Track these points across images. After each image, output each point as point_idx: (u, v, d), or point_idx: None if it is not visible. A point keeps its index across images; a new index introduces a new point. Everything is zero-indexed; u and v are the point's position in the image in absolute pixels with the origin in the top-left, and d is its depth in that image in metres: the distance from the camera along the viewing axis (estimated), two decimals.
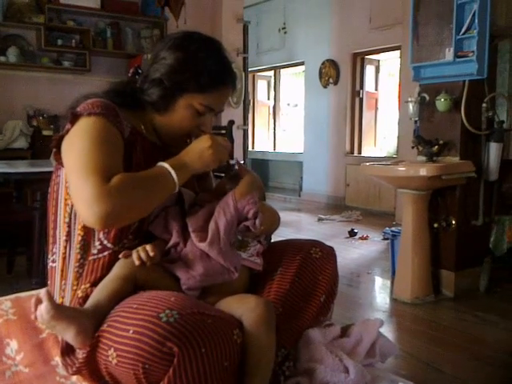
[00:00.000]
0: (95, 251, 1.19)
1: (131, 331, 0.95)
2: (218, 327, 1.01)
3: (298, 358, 1.21)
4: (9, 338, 1.28)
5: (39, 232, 2.80)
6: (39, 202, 2.83)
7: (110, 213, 1.03)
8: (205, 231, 1.18)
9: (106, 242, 1.19)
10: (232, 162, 1.33)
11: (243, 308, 1.12)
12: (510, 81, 3.15)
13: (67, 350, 1.10)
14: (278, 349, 1.16)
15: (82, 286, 1.18)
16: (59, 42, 4.88)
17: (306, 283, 1.32)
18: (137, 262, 1.13)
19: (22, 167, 3.10)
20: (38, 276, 2.79)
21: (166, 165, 1.15)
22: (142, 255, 1.13)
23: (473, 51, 2.82)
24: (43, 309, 0.97)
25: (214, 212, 1.21)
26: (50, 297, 0.98)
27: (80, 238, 1.20)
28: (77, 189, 1.08)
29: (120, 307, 1.04)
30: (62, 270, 1.24)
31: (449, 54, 2.90)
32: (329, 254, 1.39)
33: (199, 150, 1.21)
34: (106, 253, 1.19)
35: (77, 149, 1.13)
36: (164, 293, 1.05)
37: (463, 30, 2.85)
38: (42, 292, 0.99)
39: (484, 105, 2.96)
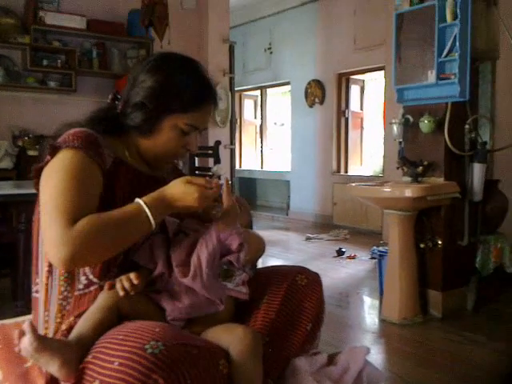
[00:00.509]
0: (81, 286, 1.19)
1: (116, 363, 0.94)
2: (203, 358, 1.00)
3: None
4: None
5: (24, 254, 2.77)
6: (24, 224, 2.80)
7: (73, 257, 1.04)
8: (188, 265, 1.16)
9: (91, 276, 1.18)
10: (220, 182, 1.31)
11: (230, 338, 1.11)
12: (491, 102, 3.22)
13: (52, 383, 1.08)
14: (264, 379, 1.15)
15: (67, 320, 1.16)
16: (45, 62, 4.87)
17: (292, 311, 1.31)
18: (121, 293, 1.12)
19: (6, 188, 3.07)
20: (22, 299, 2.76)
21: (142, 203, 1.13)
22: (126, 285, 1.12)
23: (455, 73, 2.87)
24: (26, 341, 0.96)
25: (197, 244, 1.19)
26: (34, 329, 0.97)
27: (63, 270, 1.19)
28: (45, 227, 1.10)
29: (105, 338, 1.02)
30: (45, 302, 1.23)
31: (431, 77, 2.95)
32: (314, 280, 1.38)
33: (182, 192, 1.17)
34: (92, 288, 1.18)
35: (51, 185, 1.13)
36: (149, 323, 1.04)
37: (445, 53, 2.90)
38: (25, 324, 0.98)
39: (467, 126, 3.01)
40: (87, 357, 1.00)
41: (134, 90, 1.27)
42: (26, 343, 0.96)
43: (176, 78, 1.26)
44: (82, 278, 1.19)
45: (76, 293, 1.18)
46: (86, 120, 1.30)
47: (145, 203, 1.13)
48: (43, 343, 0.97)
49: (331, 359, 1.30)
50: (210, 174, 1.31)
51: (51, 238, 1.06)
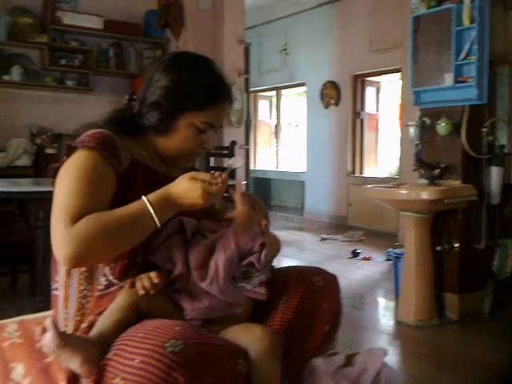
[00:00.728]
0: (101, 287, 1.20)
1: (137, 360, 0.95)
2: (222, 357, 1.01)
3: None
4: (15, 361, 1.28)
5: (42, 251, 2.81)
6: (41, 222, 2.84)
7: (75, 255, 1.07)
8: (205, 268, 1.18)
9: (111, 277, 1.20)
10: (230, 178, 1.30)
11: (249, 338, 1.12)
12: (509, 105, 3.19)
13: (73, 379, 1.09)
14: (282, 379, 1.16)
15: (87, 318, 1.18)
16: (62, 61, 4.93)
17: (309, 312, 1.31)
18: (141, 292, 1.13)
19: (25, 186, 3.11)
20: (41, 294, 2.80)
21: (146, 202, 1.13)
22: (146, 283, 1.14)
23: (472, 77, 2.86)
24: (48, 338, 0.97)
25: (216, 248, 1.20)
26: (55, 326, 0.99)
27: (82, 269, 1.21)
28: (52, 226, 1.12)
29: (126, 335, 1.04)
30: (65, 300, 1.25)
31: (448, 80, 2.94)
32: (332, 282, 1.38)
33: (187, 189, 1.15)
34: (112, 288, 1.20)
35: (63, 184, 1.16)
36: (169, 322, 1.05)
37: (462, 56, 2.89)
38: (47, 321, 0.99)
39: (484, 129, 2.99)
40: (108, 354, 1.02)
41: (149, 90, 1.28)
42: (48, 340, 0.97)
43: (191, 76, 1.27)
44: (102, 279, 1.20)
45: (96, 293, 1.20)
46: (103, 121, 1.32)
47: (149, 202, 1.13)
48: (65, 340, 0.99)
49: (349, 360, 1.31)
50: (225, 167, 1.27)
51: (55, 237, 1.10)
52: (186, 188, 1.13)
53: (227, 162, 1.39)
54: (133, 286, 1.16)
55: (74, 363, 0.99)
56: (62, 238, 1.08)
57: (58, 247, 1.09)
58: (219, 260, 1.18)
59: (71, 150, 1.19)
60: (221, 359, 1.00)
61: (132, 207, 1.13)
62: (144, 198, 1.13)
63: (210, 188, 1.13)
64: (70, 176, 1.16)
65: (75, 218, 1.08)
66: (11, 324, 1.41)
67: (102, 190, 1.16)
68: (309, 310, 1.31)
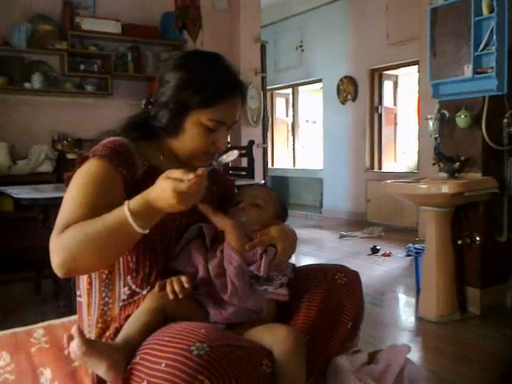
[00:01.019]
0: (125, 296, 1.22)
1: (163, 364, 0.96)
2: (247, 358, 1.01)
3: None
4: (43, 366, 1.32)
5: None
6: None
7: (62, 265, 1.08)
8: (224, 276, 1.20)
9: (134, 286, 1.21)
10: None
11: (273, 338, 1.13)
12: None
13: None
14: (306, 378, 1.17)
15: (112, 326, 1.20)
16: (82, 67, 4.99)
17: (332, 310, 1.32)
18: (171, 296, 1.14)
19: (47, 192, 3.17)
20: (65, 299, 2.84)
21: (126, 211, 1.07)
22: (176, 288, 1.14)
23: (492, 67, 2.82)
24: (75, 345, 0.99)
25: (223, 262, 1.22)
26: (81, 333, 1.01)
27: (104, 276, 1.23)
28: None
29: (151, 339, 1.05)
30: (88, 306, 1.26)
31: (467, 71, 2.91)
32: (354, 279, 1.38)
33: (160, 189, 1.06)
34: (136, 297, 1.21)
35: (68, 192, 1.17)
36: (194, 325, 1.06)
37: (481, 47, 2.86)
38: (73, 328, 1.01)
39: (505, 120, 2.95)
40: (135, 358, 1.03)
41: (160, 91, 1.28)
42: (75, 347, 0.99)
43: (196, 73, 1.26)
44: (125, 289, 1.22)
45: (120, 303, 1.21)
46: (120, 127, 1.32)
47: (128, 208, 1.07)
48: (91, 347, 1.00)
49: (372, 357, 1.31)
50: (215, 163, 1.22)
51: (50, 244, 1.10)
52: (159, 189, 1.06)
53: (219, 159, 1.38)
54: (162, 289, 1.16)
55: (101, 369, 1.01)
56: (52, 246, 1.09)
57: (50, 255, 1.10)
58: (230, 273, 1.19)
59: (84, 159, 1.20)
60: (245, 360, 1.01)
61: (113, 214, 1.09)
62: (125, 203, 1.08)
63: (180, 186, 1.03)
64: (75, 184, 1.17)
65: (66, 227, 1.09)
66: (38, 329, 1.44)
67: (106, 199, 1.14)
68: (332, 307, 1.32)
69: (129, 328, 1.11)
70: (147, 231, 1.09)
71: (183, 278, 1.16)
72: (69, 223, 1.10)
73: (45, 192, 3.12)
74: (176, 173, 1.05)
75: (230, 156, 1.28)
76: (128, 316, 1.17)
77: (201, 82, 1.24)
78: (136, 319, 1.12)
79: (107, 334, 1.19)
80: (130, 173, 1.20)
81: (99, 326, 1.23)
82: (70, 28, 4.89)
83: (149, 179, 1.21)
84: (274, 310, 1.29)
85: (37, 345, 1.37)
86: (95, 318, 1.24)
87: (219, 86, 1.25)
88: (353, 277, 1.39)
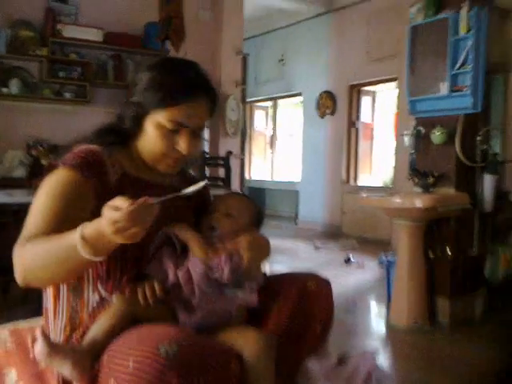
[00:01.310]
0: (94, 304, 1.20)
1: (131, 363, 0.96)
2: (216, 358, 1.01)
3: None
4: (7, 368, 1.29)
5: None
6: None
7: (19, 276, 1.09)
8: (192, 283, 1.20)
9: (104, 293, 1.20)
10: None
11: (244, 340, 1.13)
12: (503, 114, 3.22)
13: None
14: (276, 380, 1.17)
15: (79, 331, 1.18)
16: (61, 73, 4.95)
17: (302, 316, 1.32)
18: (142, 302, 1.14)
19: (20, 197, 3.13)
20: (33, 302, 2.79)
21: (77, 237, 0.99)
22: (148, 293, 1.15)
23: (467, 86, 2.88)
24: (39, 347, 1.00)
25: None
26: (45, 335, 1.02)
27: (72, 282, 1.21)
28: None
29: (120, 339, 1.04)
30: (54, 312, 1.25)
31: (444, 88, 2.97)
32: (325, 286, 1.39)
33: (104, 219, 0.98)
34: (106, 304, 1.19)
35: (34, 205, 1.15)
36: (163, 326, 1.06)
37: (458, 65, 2.92)
38: (38, 331, 1.02)
39: (478, 138, 3.02)
40: (102, 357, 1.03)
41: (129, 96, 1.28)
42: (39, 349, 1.00)
43: (161, 74, 1.25)
44: (94, 295, 1.20)
45: (90, 309, 1.20)
46: (94, 134, 1.30)
47: (81, 235, 1.00)
48: (55, 348, 1.01)
49: (341, 360, 1.32)
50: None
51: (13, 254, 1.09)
52: (103, 217, 0.97)
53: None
54: (133, 294, 1.16)
55: (65, 369, 1.02)
56: (14, 257, 1.09)
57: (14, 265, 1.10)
58: (195, 279, 1.20)
59: (53, 168, 1.18)
60: (214, 360, 1.01)
61: (68, 237, 1.02)
62: (79, 227, 1.01)
63: (114, 215, 0.94)
64: (44, 194, 1.15)
65: (28, 238, 1.08)
66: (3, 331, 1.42)
67: (73, 212, 1.12)
68: (302, 313, 1.33)
69: (95, 330, 1.11)
70: (101, 259, 1.02)
71: (156, 286, 1.16)
72: (31, 235, 1.09)
73: (17, 197, 3.08)
74: (117, 200, 0.97)
75: (195, 186, 1.15)
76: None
77: (162, 83, 1.23)
78: (103, 322, 1.12)
79: (74, 336, 1.18)
80: (101, 182, 1.19)
81: (67, 331, 1.21)
82: (51, 35, 4.85)
83: (122, 187, 1.22)
84: (244, 315, 1.29)
85: (2, 347, 1.35)
86: (63, 324, 1.23)
87: (179, 87, 1.23)
88: (324, 284, 1.40)
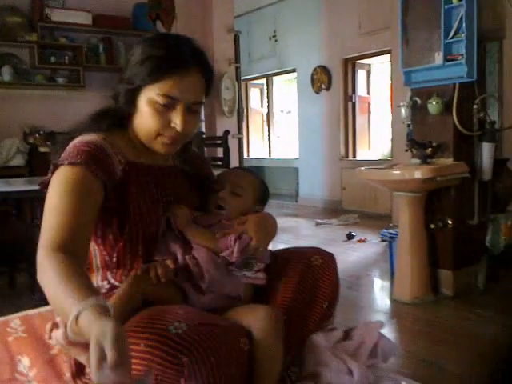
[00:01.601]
0: (104, 290, 1.22)
1: (142, 344, 0.97)
2: (225, 336, 1.04)
3: (303, 363, 1.24)
4: (20, 355, 1.32)
5: None
6: (39, 220, 2.85)
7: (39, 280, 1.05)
8: (199, 266, 1.22)
9: (113, 280, 1.22)
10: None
11: (252, 317, 1.15)
12: (499, 81, 3.21)
13: (77, 373, 1.12)
14: (284, 355, 1.19)
15: None
16: (52, 59, 4.92)
17: (308, 291, 1.34)
18: (154, 281, 1.15)
19: (19, 185, 3.13)
20: (40, 292, 2.82)
21: (73, 314, 0.90)
22: (160, 271, 1.15)
23: (462, 54, 2.87)
24: (59, 335, 0.98)
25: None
26: (66, 324, 1.00)
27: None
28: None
29: (131, 322, 1.06)
30: None
31: (438, 58, 2.95)
32: (329, 260, 1.41)
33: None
34: (115, 291, 1.20)
35: (48, 206, 1.12)
36: (172, 306, 1.08)
37: (451, 34, 2.90)
38: (59, 318, 1.00)
39: (475, 106, 3.01)
40: None
41: (124, 71, 1.26)
42: (59, 337, 0.98)
43: (150, 48, 1.22)
44: (104, 283, 1.22)
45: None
46: (90, 119, 1.28)
47: (76, 319, 0.91)
48: (76, 337, 0.99)
49: (347, 334, 1.35)
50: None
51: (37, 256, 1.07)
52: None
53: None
54: (143, 272, 1.17)
55: (84, 357, 1.00)
56: (37, 260, 1.05)
57: None
58: (202, 263, 1.22)
59: (56, 168, 1.16)
60: (223, 338, 1.03)
61: (69, 299, 0.94)
62: (74, 315, 0.91)
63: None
64: (53, 196, 1.12)
65: (52, 244, 1.04)
66: (15, 319, 1.44)
67: (85, 208, 1.12)
68: (308, 288, 1.34)
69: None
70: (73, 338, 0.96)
71: (168, 261, 1.17)
72: (53, 243, 1.04)
73: (17, 185, 3.08)
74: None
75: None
76: None
77: (153, 55, 1.20)
78: (115, 305, 1.11)
79: None
80: (109, 176, 1.17)
81: None
82: (39, 20, 4.81)
83: (128, 177, 1.22)
84: (252, 294, 1.31)
85: (14, 334, 1.37)
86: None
87: (170, 58, 1.19)
88: (328, 258, 1.42)
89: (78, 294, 0.94)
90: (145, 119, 1.21)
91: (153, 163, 1.31)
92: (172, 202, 1.30)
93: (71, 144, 1.20)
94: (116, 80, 1.30)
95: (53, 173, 1.17)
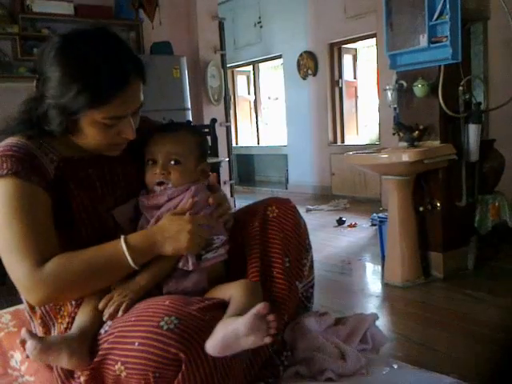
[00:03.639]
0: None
1: (137, 343, 0.97)
2: (215, 321, 1.02)
3: (295, 348, 1.25)
4: (12, 350, 1.31)
5: None
6: None
7: (46, 299, 1.07)
8: None
9: None
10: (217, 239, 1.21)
11: (231, 288, 1.14)
12: (484, 63, 3.22)
13: (67, 378, 1.08)
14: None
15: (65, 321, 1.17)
16: (35, 50, 4.84)
17: (267, 246, 1.25)
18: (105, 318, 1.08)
19: None
20: None
21: (123, 245, 1.07)
22: (110, 310, 1.07)
23: (446, 36, 2.87)
24: (30, 347, 0.98)
25: None
26: (32, 334, 1.01)
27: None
28: (11, 271, 1.06)
29: (118, 322, 1.04)
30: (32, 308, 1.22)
31: (423, 41, 2.95)
32: (286, 208, 1.31)
33: (175, 231, 1.10)
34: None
35: (4, 228, 1.06)
36: (157, 299, 1.05)
37: (435, 16, 2.90)
38: (23, 331, 1.01)
39: (460, 88, 3.02)
40: (104, 344, 1.03)
41: (42, 87, 1.10)
42: (30, 348, 0.98)
43: (77, 68, 1.06)
44: None
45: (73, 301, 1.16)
46: (16, 123, 1.17)
47: (127, 245, 1.07)
48: (46, 343, 1.00)
49: (338, 321, 1.35)
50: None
51: (19, 281, 1.05)
52: (170, 231, 1.09)
53: None
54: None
55: (63, 360, 1.01)
56: (28, 283, 1.04)
57: (24, 291, 1.07)
58: None
59: None
60: (214, 324, 1.01)
61: (107, 249, 1.08)
62: (122, 240, 1.07)
63: (200, 230, 1.12)
64: (1, 214, 1.06)
65: (39, 260, 1.03)
66: (5, 314, 1.44)
67: (42, 216, 1.08)
68: (267, 243, 1.25)
69: (81, 315, 1.10)
70: (137, 267, 1.10)
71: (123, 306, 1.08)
72: (41, 254, 1.04)
73: None
74: (193, 217, 1.11)
75: None
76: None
77: (84, 80, 1.05)
78: (87, 305, 1.11)
79: (62, 327, 1.16)
80: (42, 177, 1.10)
81: (59, 322, 1.18)
82: (20, 11, 4.74)
83: (64, 174, 1.15)
84: (222, 269, 1.26)
85: (5, 329, 1.37)
86: (46, 317, 1.20)
87: (107, 82, 1.06)
88: (285, 206, 1.31)
89: (108, 244, 1.09)
90: (90, 137, 1.13)
91: (92, 156, 1.21)
92: (123, 192, 1.24)
93: None
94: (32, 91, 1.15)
95: None
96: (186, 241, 1.09)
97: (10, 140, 1.13)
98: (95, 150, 1.19)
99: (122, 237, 1.08)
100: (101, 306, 1.08)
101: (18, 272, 1.05)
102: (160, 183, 1.21)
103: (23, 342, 0.99)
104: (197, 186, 1.20)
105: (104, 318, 1.06)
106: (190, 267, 1.14)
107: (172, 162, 1.22)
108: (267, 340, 0.97)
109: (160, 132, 1.26)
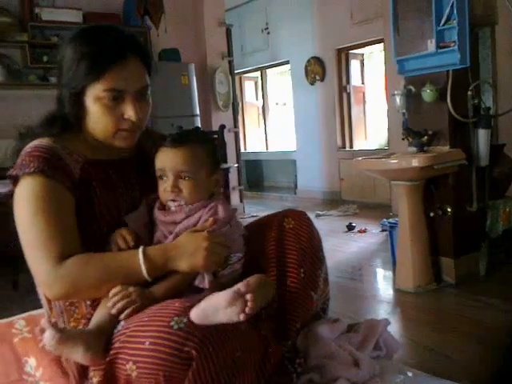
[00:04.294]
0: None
1: (147, 343, 0.98)
2: None
3: (308, 355, 1.24)
4: (27, 355, 1.32)
5: None
6: None
7: (64, 295, 1.11)
8: None
9: None
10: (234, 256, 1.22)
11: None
12: (493, 67, 3.21)
13: (83, 369, 1.11)
14: (283, 340, 1.19)
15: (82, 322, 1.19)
16: (45, 58, 4.89)
17: (283, 256, 1.28)
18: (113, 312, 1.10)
19: None
20: None
21: (141, 255, 1.11)
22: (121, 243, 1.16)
23: (454, 41, 2.86)
24: (48, 336, 1.00)
25: None
26: (52, 323, 1.03)
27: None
28: (33, 266, 1.13)
29: (130, 322, 1.06)
30: (50, 305, 1.25)
31: (431, 46, 2.95)
32: (302, 220, 1.34)
33: (192, 248, 1.12)
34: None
35: (23, 221, 1.13)
36: (168, 301, 1.07)
37: (443, 21, 2.89)
38: (43, 321, 1.03)
39: (469, 93, 3.01)
40: (116, 343, 1.04)
41: (59, 76, 1.22)
42: (49, 337, 1.00)
43: (78, 48, 1.17)
44: None
45: (88, 302, 1.19)
46: (40, 125, 1.25)
47: (144, 256, 1.11)
48: (64, 334, 1.01)
49: (351, 327, 1.34)
50: None
51: (40, 276, 1.11)
52: (188, 248, 1.12)
53: None
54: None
55: (77, 354, 1.02)
56: (48, 278, 1.09)
57: (43, 286, 1.12)
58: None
59: (16, 179, 1.16)
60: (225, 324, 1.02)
61: (125, 256, 1.13)
62: (141, 250, 1.12)
63: (217, 247, 1.13)
64: (26, 210, 1.12)
65: (59, 257, 1.09)
66: (19, 320, 1.45)
67: (65, 215, 1.13)
68: (283, 253, 1.28)
69: (99, 313, 1.12)
70: (150, 279, 1.13)
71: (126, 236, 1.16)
72: (61, 251, 1.09)
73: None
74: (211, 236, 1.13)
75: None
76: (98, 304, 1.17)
77: (85, 52, 1.16)
78: (105, 303, 1.12)
79: (82, 322, 1.19)
80: (67, 177, 1.16)
81: (72, 325, 1.21)
82: (29, 19, 4.78)
83: (87, 177, 1.20)
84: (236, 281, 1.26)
85: (19, 335, 1.38)
86: (65, 319, 1.22)
87: (104, 51, 1.16)
88: (300, 217, 1.34)
89: (126, 252, 1.13)
90: (97, 119, 1.19)
91: (110, 158, 1.27)
92: (139, 195, 1.29)
93: (23, 152, 1.19)
94: (55, 85, 1.26)
95: (14, 185, 1.17)
96: (202, 258, 1.11)
97: (38, 142, 1.19)
98: (105, 139, 1.22)
99: (141, 247, 1.12)
100: (112, 295, 1.11)
101: (40, 268, 1.10)
102: (172, 200, 1.22)
103: (42, 330, 1.01)
104: (216, 203, 1.21)
105: (120, 318, 1.08)
106: (207, 285, 1.14)
107: (183, 178, 1.21)
108: (241, 317, 0.99)
109: (168, 147, 1.23)
